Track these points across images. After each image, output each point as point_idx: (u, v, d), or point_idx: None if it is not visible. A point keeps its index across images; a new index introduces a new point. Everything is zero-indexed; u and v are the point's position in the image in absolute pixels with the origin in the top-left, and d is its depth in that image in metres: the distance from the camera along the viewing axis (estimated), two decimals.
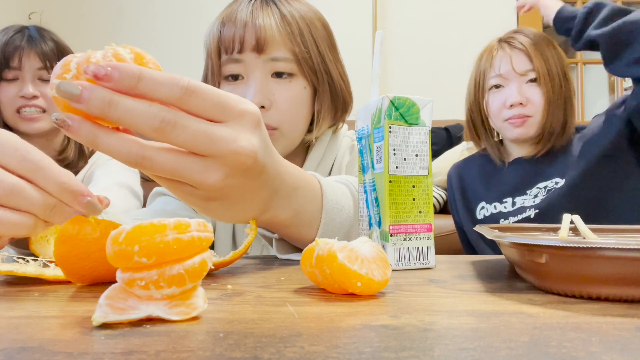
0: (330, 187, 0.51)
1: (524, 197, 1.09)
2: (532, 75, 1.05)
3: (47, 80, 1.06)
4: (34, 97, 1.04)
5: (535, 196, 1.07)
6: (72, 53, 1.27)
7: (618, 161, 1.03)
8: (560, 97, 1.05)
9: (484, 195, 1.17)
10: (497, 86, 1.09)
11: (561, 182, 1.05)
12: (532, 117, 1.06)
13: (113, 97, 0.31)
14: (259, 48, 0.68)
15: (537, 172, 1.10)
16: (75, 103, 0.30)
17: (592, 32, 1.00)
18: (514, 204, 1.10)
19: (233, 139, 0.34)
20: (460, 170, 1.25)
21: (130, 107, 0.31)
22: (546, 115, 1.04)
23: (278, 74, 0.70)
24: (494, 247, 1.11)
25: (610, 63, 0.99)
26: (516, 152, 1.15)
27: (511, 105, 1.05)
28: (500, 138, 1.19)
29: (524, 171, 1.12)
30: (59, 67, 0.33)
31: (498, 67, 1.08)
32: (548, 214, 1.03)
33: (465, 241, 1.25)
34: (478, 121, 1.16)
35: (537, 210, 1.05)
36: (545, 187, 1.07)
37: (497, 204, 1.13)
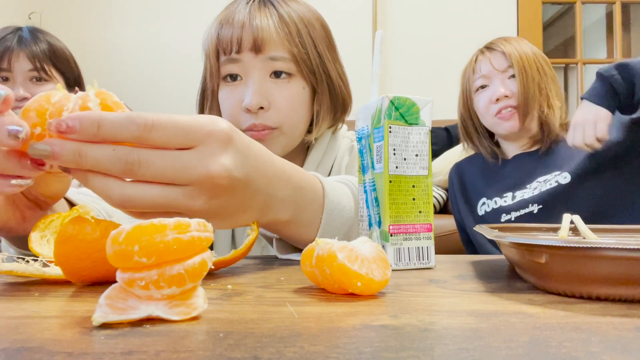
0: (331, 187, 0.51)
1: (524, 190, 1.11)
2: (512, 72, 1.12)
3: (38, 81, 1.05)
4: (25, 98, 1.03)
5: (535, 189, 1.08)
6: (69, 54, 1.26)
7: (630, 163, 1.03)
8: (535, 87, 1.10)
9: (485, 191, 1.18)
10: (482, 87, 1.16)
11: (566, 177, 1.05)
12: (519, 108, 1.11)
13: (81, 149, 0.32)
14: (257, 47, 0.68)
15: (537, 166, 1.12)
16: (52, 160, 0.32)
17: None
18: (514, 197, 1.12)
19: (201, 165, 0.34)
20: (461, 169, 1.28)
21: (97, 155, 0.33)
22: (525, 101, 1.10)
23: (277, 74, 0.70)
24: (496, 244, 1.12)
25: None
26: (512, 150, 1.18)
27: (497, 100, 1.12)
28: (497, 139, 1.22)
29: (524, 166, 1.14)
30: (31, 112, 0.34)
31: (480, 69, 1.16)
32: (551, 209, 1.04)
33: (466, 240, 1.26)
34: (470, 127, 1.23)
35: (541, 206, 1.05)
36: (545, 180, 1.08)
37: (497, 198, 1.15)
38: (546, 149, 1.13)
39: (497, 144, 1.23)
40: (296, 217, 0.46)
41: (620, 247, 0.28)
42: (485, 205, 1.17)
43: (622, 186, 1.04)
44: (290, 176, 0.44)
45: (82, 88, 1.14)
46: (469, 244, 1.25)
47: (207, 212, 0.36)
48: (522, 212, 1.08)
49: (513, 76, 1.12)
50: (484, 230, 0.41)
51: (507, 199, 1.13)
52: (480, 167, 1.24)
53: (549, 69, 1.14)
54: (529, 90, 1.10)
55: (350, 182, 0.58)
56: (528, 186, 1.11)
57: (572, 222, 0.49)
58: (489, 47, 1.17)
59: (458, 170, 1.29)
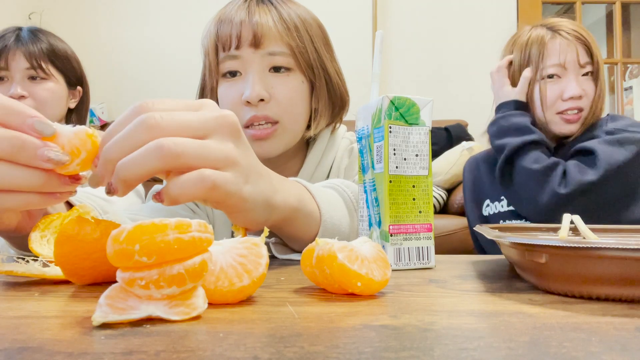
0: (328, 213, 0.51)
1: None
2: (589, 69, 1.02)
3: (36, 79, 1.05)
4: (22, 97, 1.03)
5: None
6: (72, 53, 1.24)
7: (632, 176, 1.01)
8: (604, 89, 1.03)
9: (490, 192, 1.16)
10: (550, 76, 1.03)
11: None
12: (584, 111, 1.03)
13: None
14: (256, 43, 0.69)
15: None
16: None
17: None
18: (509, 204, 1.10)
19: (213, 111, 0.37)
20: (473, 166, 1.23)
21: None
22: (594, 110, 1.03)
23: (276, 69, 0.71)
24: None
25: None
26: None
27: (569, 98, 1.02)
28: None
29: None
30: None
31: (557, 55, 1.02)
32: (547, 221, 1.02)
33: (474, 236, 1.24)
34: None
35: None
36: None
37: (497, 203, 1.13)
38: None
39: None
40: (294, 234, 0.48)
41: (620, 247, 0.28)
42: (489, 208, 1.15)
43: (629, 192, 1.00)
44: (290, 193, 0.45)
45: (84, 87, 1.14)
46: (477, 240, 1.23)
47: (240, 156, 0.37)
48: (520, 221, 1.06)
49: (587, 74, 1.01)
50: (484, 230, 0.41)
51: (504, 204, 1.11)
52: (490, 166, 1.18)
53: (602, 60, 1.05)
54: (603, 95, 1.01)
55: (345, 192, 0.58)
56: None
57: (572, 222, 0.49)
58: (556, 30, 1.02)
59: (473, 164, 1.22)
